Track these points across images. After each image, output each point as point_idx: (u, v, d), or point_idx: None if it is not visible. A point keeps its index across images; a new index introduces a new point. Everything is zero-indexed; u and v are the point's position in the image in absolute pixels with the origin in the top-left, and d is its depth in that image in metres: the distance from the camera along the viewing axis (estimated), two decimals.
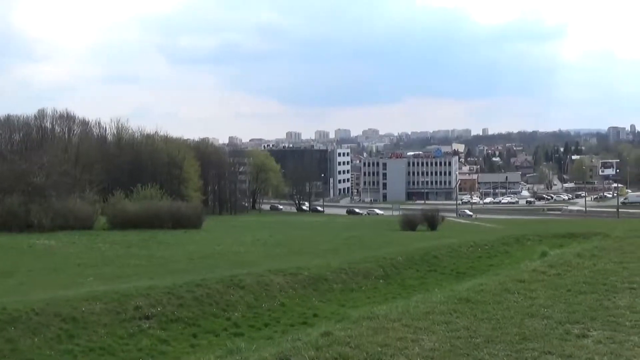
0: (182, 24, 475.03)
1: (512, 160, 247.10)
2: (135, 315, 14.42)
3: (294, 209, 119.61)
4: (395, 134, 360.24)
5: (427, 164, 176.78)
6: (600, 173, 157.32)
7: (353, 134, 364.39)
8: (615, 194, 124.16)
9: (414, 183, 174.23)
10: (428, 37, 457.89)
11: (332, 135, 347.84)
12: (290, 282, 18.38)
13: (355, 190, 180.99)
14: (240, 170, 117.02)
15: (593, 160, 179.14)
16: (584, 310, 7.91)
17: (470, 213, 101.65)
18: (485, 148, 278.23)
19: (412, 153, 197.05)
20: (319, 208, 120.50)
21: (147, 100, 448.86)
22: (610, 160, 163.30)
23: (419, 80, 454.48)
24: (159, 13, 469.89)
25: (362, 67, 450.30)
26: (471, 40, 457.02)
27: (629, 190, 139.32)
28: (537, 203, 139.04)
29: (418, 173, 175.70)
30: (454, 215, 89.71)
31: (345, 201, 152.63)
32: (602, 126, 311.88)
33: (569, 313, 7.78)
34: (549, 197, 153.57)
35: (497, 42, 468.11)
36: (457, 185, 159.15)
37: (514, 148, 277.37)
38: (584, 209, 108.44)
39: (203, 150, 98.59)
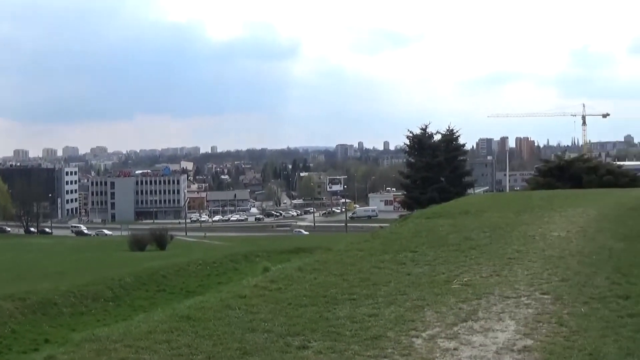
0: None
1: (240, 177, 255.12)
2: None
3: (22, 231, 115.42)
4: (124, 152, 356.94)
5: (155, 182, 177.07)
6: (329, 189, 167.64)
7: (81, 151, 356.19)
8: (343, 209, 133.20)
9: (143, 202, 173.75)
10: (160, 52, 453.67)
11: (60, 153, 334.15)
12: (20, 308, 18.14)
13: (84, 211, 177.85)
14: None
15: (321, 177, 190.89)
16: (304, 322, 8.20)
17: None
18: (214, 166, 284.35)
19: (140, 171, 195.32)
20: (47, 230, 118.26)
21: None
22: (338, 177, 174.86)
23: (150, 97, 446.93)
24: None
25: (92, 82, 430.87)
26: (202, 57, 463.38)
27: (357, 205, 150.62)
28: (266, 220, 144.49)
29: (147, 192, 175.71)
30: (184, 234, 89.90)
31: (73, 222, 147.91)
32: (331, 143, 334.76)
33: (290, 326, 8.03)
34: (277, 214, 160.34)
35: (227, 58, 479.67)
36: (186, 203, 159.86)
37: (243, 165, 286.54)
38: (312, 224, 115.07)
39: None
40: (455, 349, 7.19)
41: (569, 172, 41.47)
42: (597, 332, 7.52)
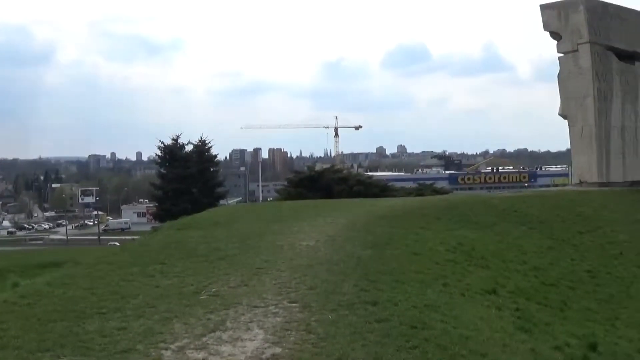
0: None
1: None
2: None
3: None
4: None
5: None
6: (81, 201, 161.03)
7: None
8: (96, 222, 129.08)
9: None
10: None
11: None
12: None
13: None
14: None
15: (73, 189, 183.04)
16: (54, 337, 8.12)
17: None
18: None
19: None
20: None
21: None
22: (90, 188, 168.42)
23: None
24: None
25: None
26: None
27: (110, 218, 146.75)
28: (19, 233, 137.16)
29: None
30: None
31: None
32: (84, 154, 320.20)
33: (40, 342, 7.93)
34: (30, 227, 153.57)
35: None
36: None
37: None
38: (65, 237, 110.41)
39: None
40: None
41: (320, 182, 43.11)
42: (345, 338, 8.01)
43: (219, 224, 20.63)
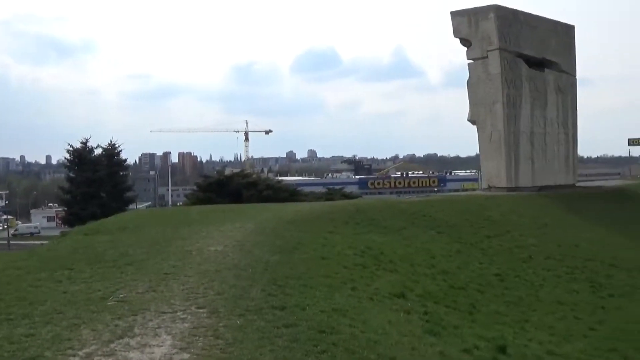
0: None
1: None
2: None
3: None
4: None
5: None
6: None
7: None
8: (5, 226, 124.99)
9: None
10: None
11: None
12: None
13: None
14: None
15: None
16: None
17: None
18: None
19: None
20: None
21: None
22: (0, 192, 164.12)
23: None
24: None
25: None
26: None
27: (19, 222, 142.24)
28: None
29: None
30: None
31: None
32: None
33: None
34: None
35: None
36: None
37: None
38: None
39: None
40: None
41: (229, 187, 43.20)
42: (253, 343, 8.02)
43: (128, 229, 20.76)
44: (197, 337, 8.33)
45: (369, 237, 19.50)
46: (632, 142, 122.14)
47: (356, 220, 22.27)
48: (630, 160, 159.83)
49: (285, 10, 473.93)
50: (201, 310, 9.64)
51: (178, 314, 9.50)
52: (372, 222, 22.22)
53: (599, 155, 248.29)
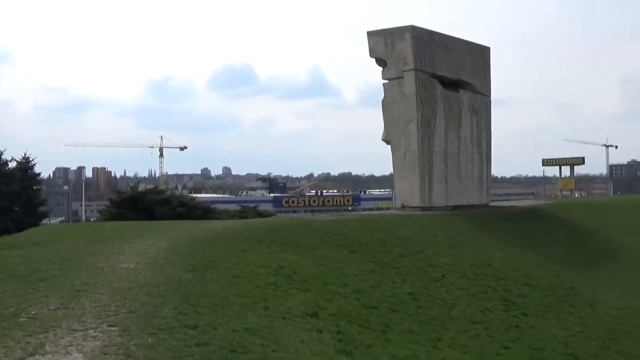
0: None
1: None
2: None
3: None
4: None
5: None
6: None
7: None
8: None
9: None
10: None
11: None
12: None
13: None
14: None
15: None
16: None
17: None
18: None
19: None
20: None
21: None
22: None
23: None
24: None
25: None
26: None
27: None
28: None
29: None
30: None
31: None
32: None
33: None
34: None
35: None
36: None
37: None
38: None
39: None
40: None
41: (142, 203, 42.53)
42: None
43: (40, 244, 20.43)
44: (109, 356, 8.32)
45: (282, 256, 19.56)
46: (546, 162, 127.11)
47: (270, 238, 22.30)
48: (544, 180, 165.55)
49: (203, 26, 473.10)
50: (113, 329, 9.59)
51: (89, 331, 9.43)
52: (286, 241, 22.28)
53: (513, 175, 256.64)
